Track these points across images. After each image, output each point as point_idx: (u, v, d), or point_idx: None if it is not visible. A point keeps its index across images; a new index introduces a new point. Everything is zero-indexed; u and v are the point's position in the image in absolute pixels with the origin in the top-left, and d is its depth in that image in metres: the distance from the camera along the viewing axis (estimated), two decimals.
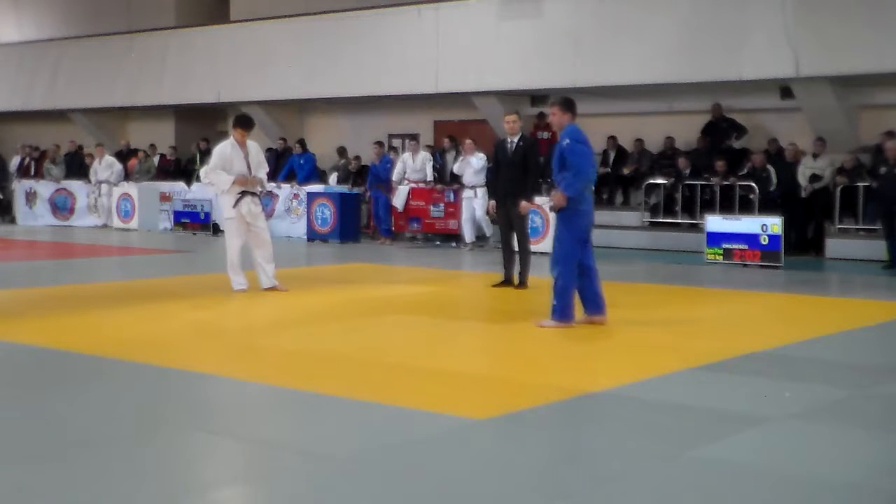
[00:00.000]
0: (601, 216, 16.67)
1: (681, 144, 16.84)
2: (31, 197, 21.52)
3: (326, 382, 5.91)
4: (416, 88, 18.35)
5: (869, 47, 13.98)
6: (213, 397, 5.73)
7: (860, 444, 4.77)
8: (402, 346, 7.25)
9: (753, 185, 14.97)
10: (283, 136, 20.46)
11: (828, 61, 14.34)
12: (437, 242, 16.84)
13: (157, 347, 6.94)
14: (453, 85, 17.81)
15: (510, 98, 17.43)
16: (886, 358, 7.25)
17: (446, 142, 17.62)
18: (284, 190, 18.21)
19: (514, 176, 10.37)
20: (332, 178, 18.86)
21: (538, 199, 11.46)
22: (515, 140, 10.58)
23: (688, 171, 15.95)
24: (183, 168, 21.34)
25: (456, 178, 16.78)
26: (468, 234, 15.86)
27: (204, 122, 23.10)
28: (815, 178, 14.88)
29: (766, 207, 14.45)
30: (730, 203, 15.20)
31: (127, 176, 20.86)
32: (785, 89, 15.52)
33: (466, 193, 15.63)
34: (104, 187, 20.43)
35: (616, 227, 16.53)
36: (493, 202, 10.86)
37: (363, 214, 18.17)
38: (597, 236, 14.27)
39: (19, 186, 21.84)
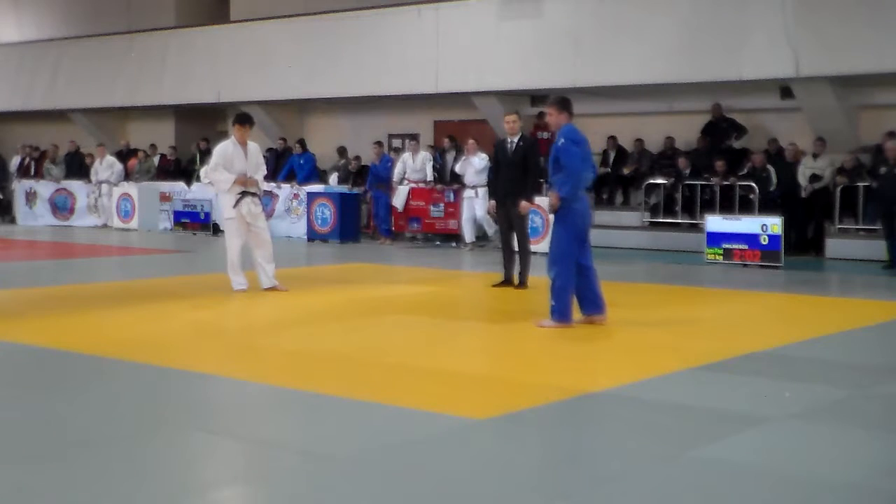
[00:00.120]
0: (601, 216, 16.76)
1: (681, 144, 16.84)
2: (31, 197, 21.52)
3: (326, 382, 5.91)
4: (416, 88, 18.35)
5: (869, 47, 13.98)
6: (213, 397, 5.73)
7: (860, 444, 4.77)
8: (402, 346, 7.25)
9: (753, 185, 14.97)
10: (283, 136, 20.46)
11: (828, 61, 14.34)
12: (437, 242, 16.84)
13: (157, 347, 6.94)
14: (453, 85, 17.81)
15: (510, 98, 17.43)
16: (886, 358, 7.24)
17: (446, 142, 17.62)
18: (284, 190, 18.21)
19: (514, 176, 10.37)
20: (333, 178, 18.86)
21: (538, 200, 11.46)
22: (515, 140, 10.58)
23: (688, 171, 15.95)
24: (183, 168, 21.35)
25: (456, 178, 16.78)
26: (468, 234, 15.85)
27: (204, 122, 23.10)
28: (815, 178, 14.88)
29: (766, 207, 14.45)
30: (730, 203, 15.20)
31: (127, 176, 20.86)
32: (785, 89, 15.52)
33: (467, 193, 15.62)
34: (104, 187, 20.44)
35: (616, 227, 16.53)
36: (493, 202, 10.87)
37: (363, 214, 18.18)
38: (597, 236, 14.27)
39: (19, 186, 21.85)
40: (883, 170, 13.21)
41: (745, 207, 14.96)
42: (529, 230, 11.05)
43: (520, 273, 10.50)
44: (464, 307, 9.79)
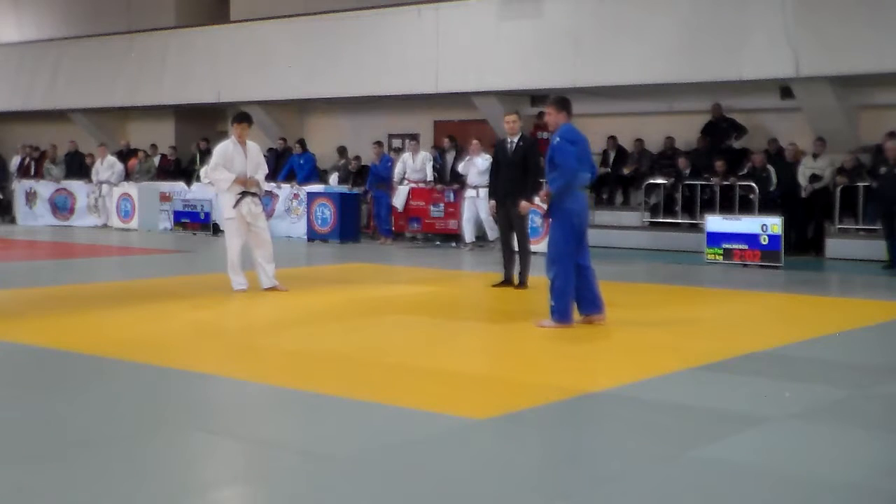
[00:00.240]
0: (601, 216, 16.77)
1: (681, 144, 16.84)
2: (31, 197, 21.52)
3: (326, 382, 5.91)
4: (416, 88, 18.35)
5: (869, 47, 13.98)
6: (213, 397, 5.73)
7: (860, 444, 4.77)
8: (402, 346, 7.25)
9: (753, 185, 14.97)
10: (283, 136, 20.46)
11: (828, 61, 14.34)
12: (437, 242, 16.84)
13: (158, 347, 6.94)
14: (453, 85, 17.81)
15: (510, 98, 17.43)
16: (886, 358, 7.25)
17: (446, 142, 17.62)
18: (284, 190, 18.21)
19: (514, 176, 10.38)
20: (333, 178, 18.87)
21: (538, 200, 11.46)
22: (515, 140, 10.59)
23: (688, 171, 15.95)
24: (183, 168, 21.35)
25: (456, 178, 16.78)
26: (468, 234, 15.83)
27: (204, 122, 23.09)
28: (815, 178, 14.87)
29: (766, 207, 14.45)
30: (730, 203, 15.20)
31: (127, 176, 20.86)
32: (785, 89, 15.52)
33: (469, 193, 15.58)
34: (105, 187, 20.44)
35: (616, 227, 16.54)
36: (493, 202, 10.87)
37: (363, 214, 18.18)
38: (597, 236, 14.27)
39: (19, 186, 21.85)
40: (883, 170, 13.21)
41: (745, 207, 14.95)
42: (529, 230, 11.06)
43: (520, 273, 10.50)
44: (464, 307, 9.79)
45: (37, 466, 4.20)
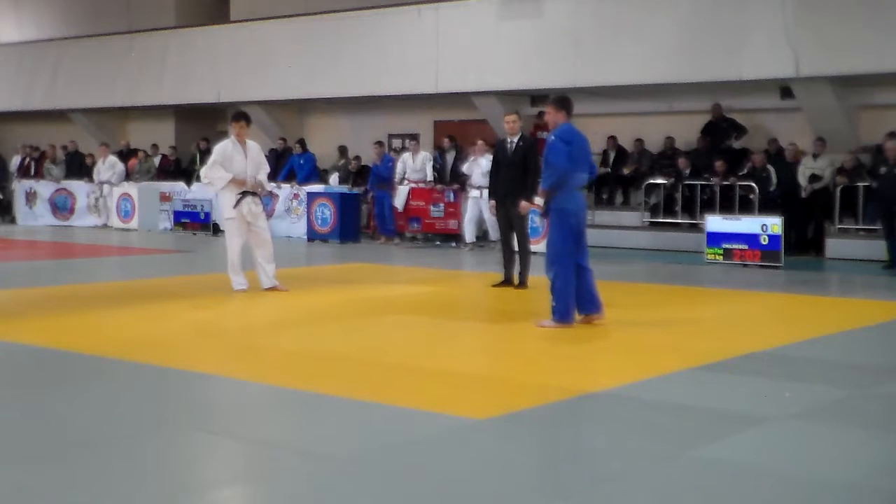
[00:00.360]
0: (601, 216, 16.78)
1: (681, 144, 16.84)
2: (31, 197, 21.53)
3: (326, 382, 5.91)
4: (416, 88, 18.35)
5: (869, 47, 13.98)
6: (213, 397, 5.73)
7: (860, 444, 4.77)
8: (402, 346, 7.25)
9: (753, 185, 14.97)
10: (283, 136, 20.46)
11: (828, 61, 14.34)
12: (437, 242, 16.84)
13: (158, 347, 6.94)
14: (453, 85, 17.81)
15: (510, 98, 17.43)
16: (886, 358, 7.25)
17: (446, 142, 17.62)
18: (284, 190, 18.21)
19: (514, 176, 10.38)
20: (333, 178, 18.87)
21: (538, 199, 11.45)
22: (515, 140, 10.59)
23: (688, 171, 15.95)
24: (183, 168, 21.35)
25: (456, 178, 16.79)
26: (469, 234, 15.82)
27: (204, 122, 23.10)
28: (815, 178, 14.88)
29: (766, 207, 14.45)
30: (730, 203, 15.20)
31: (127, 176, 20.86)
32: (785, 89, 15.52)
33: (473, 193, 15.51)
34: (105, 187, 20.45)
35: (616, 227, 16.54)
36: (492, 202, 10.88)
37: (363, 214, 18.17)
38: (597, 236, 14.26)
39: (19, 186, 21.86)
40: (883, 170, 13.21)
41: (745, 207, 14.95)
42: (529, 230, 11.05)
43: (520, 273, 10.50)
44: (464, 307, 9.78)
45: (37, 466, 4.20)
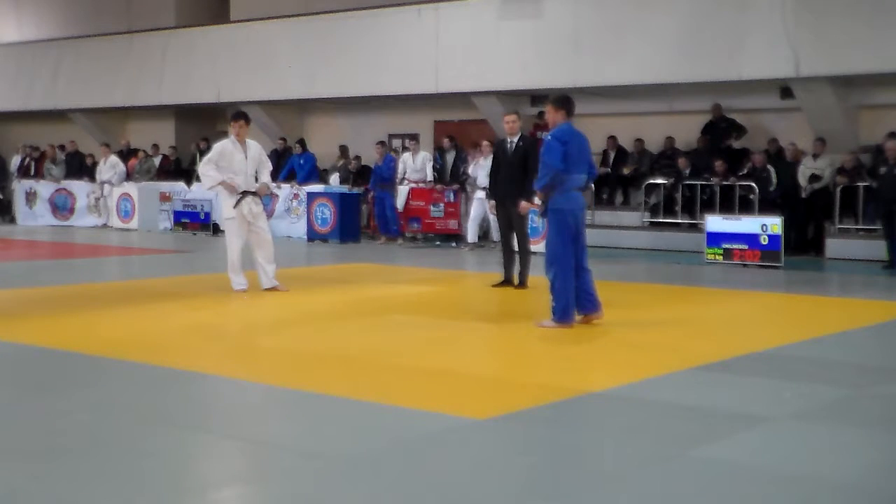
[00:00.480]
0: (601, 216, 16.78)
1: (681, 144, 16.84)
2: (31, 197, 21.53)
3: (326, 382, 5.91)
4: (416, 88, 18.35)
5: (869, 47, 13.98)
6: (212, 397, 5.73)
7: (860, 444, 4.77)
8: (402, 346, 7.25)
9: (753, 185, 14.97)
10: (283, 136, 20.46)
11: (828, 61, 14.35)
12: (438, 242, 16.84)
13: (157, 347, 6.94)
14: (453, 85, 17.81)
15: (510, 98, 17.43)
16: (886, 358, 7.25)
17: (446, 142, 17.62)
18: (284, 190, 18.21)
19: (514, 176, 10.38)
20: (334, 178, 18.87)
21: (538, 199, 11.45)
22: (515, 140, 10.59)
23: (688, 171, 15.95)
24: (183, 168, 21.35)
25: (456, 178, 16.80)
26: (471, 234, 15.82)
27: (204, 122, 23.10)
28: (814, 178, 14.88)
29: (766, 207, 14.46)
30: (730, 203, 15.20)
31: (127, 176, 20.87)
32: (785, 89, 15.52)
33: (479, 194, 15.48)
34: (106, 187, 20.46)
35: (616, 227, 16.54)
36: (492, 202, 10.88)
37: (363, 214, 18.17)
38: (597, 236, 14.25)
39: (19, 186, 21.86)
40: (883, 170, 13.21)
41: (745, 207, 14.96)
42: (529, 230, 11.05)
43: (520, 273, 10.50)
44: (464, 307, 9.78)
45: (36, 466, 4.20)
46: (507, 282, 10.59)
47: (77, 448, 4.53)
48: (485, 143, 15.58)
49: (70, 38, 23.97)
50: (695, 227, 15.39)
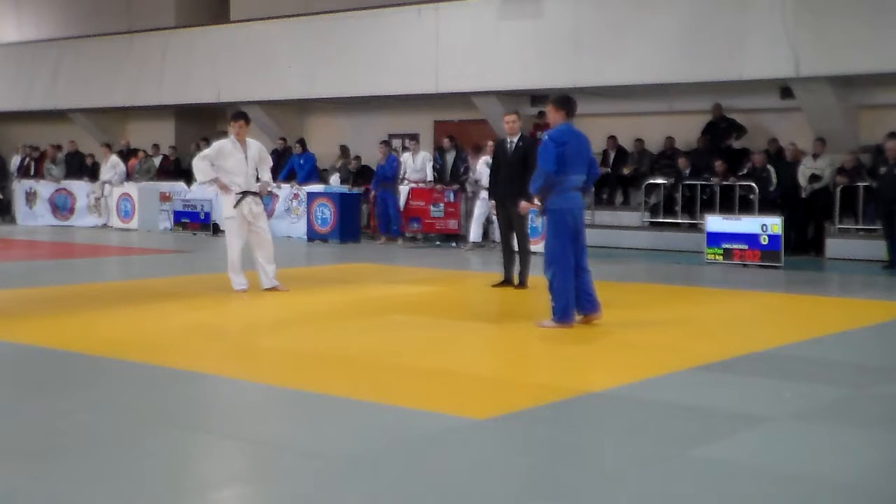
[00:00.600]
0: (601, 216, 16.79)
1: (681, 144, 16.84)
2: (31, 197, 21.53)
3: (326, 382, 5.91)
4: (416, 88, 18.36)
5: (869, 47, 13.99)
6: (212, 397, 5.73)
7: (860, 444, 4.77)
8: (403, 346, 7.24)
9: (753, 185, 14.97)
10: (283, 136, 20.46)
11: (828, 61, 14.35)
12: (438, 242, 16.85)
13: (157, 347, 6.94)
14: (453, 85, 17.81)
15: (510, 98, 17.43)
16: (886, 358, 7.25)
17: (446, 142, 17.62)
18: (284, 190, 18.21)
19: (514, 176, 10.37)
20: (334, 178, 18.87)
21: (537, 199, 11.45)
22: (515, 140, 10.60)
23: (688, 171, 15.95)
24: (183, 168, 21.33)
25: (456, 178, 16.79)
26: (473, 234, 15.82)
27: (204, 122, 23.10)
28: (814, 178, 14.88)
29: (766, 207, 14.46)
30: (730, 203, 15.20)
31: (128, 176, 20.88)
32: (785, 89, 15.53)
33: (483, 195, 15.46)
34: (107, 187, 20.47)
35: (616, 227, 16.54)
36: (492, 202, 10.87)
37: (363, 214, 18.17)
38: (597, 236, 14.24)
39: (19, 186, 21.87)
40: (883, 170, 13.21)
41: (745, 207, 14.96)
42: (529, 230, 11.06)
43: (520, 273, 10.50)
44: (464, 307, 9.78)
45: (36, 466, 4.20)
46: (507, 282, 10.59)
47: (77, 448, 4.53)
48: (489, 143, 15.55)
49: (70, 38, 23.97)
50: (695, 227, 15.39)
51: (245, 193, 9.88)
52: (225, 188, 9.84)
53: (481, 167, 15.56)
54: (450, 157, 17.34)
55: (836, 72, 14.44)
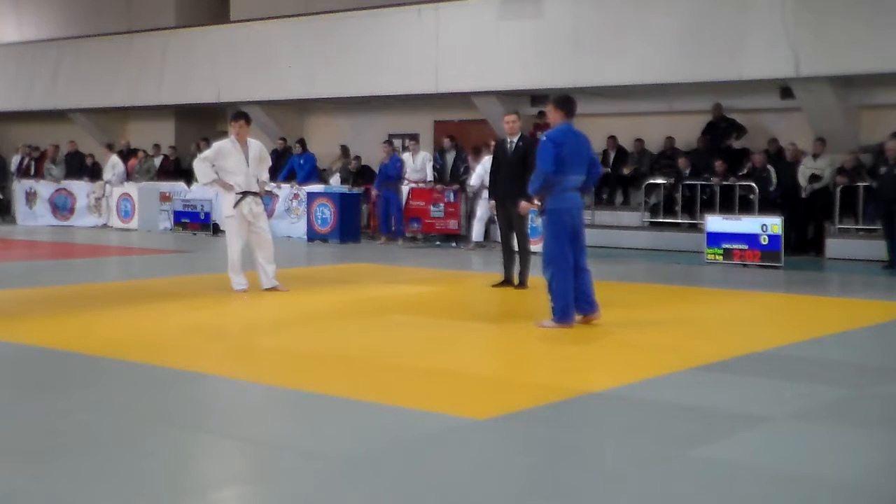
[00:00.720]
0: (601, 216, 16.79)
1: (681, 144, 16.84)
2: (31, 197, 21.53)
3: (326, 382, 5.91)
4: (416, 88, 18.36)
5: (869, 47, 13.99)
6: (212, 397, 5.73)
7: (860, 444, 4.77)
8: (402, 346, 7.24)
9: (753, 185, 14.97)
10: (283, 136, 20.46)
11: (828, 61, 14.35)
12: (438, 242, 16.85)
13: (157, 347, 6.94)
14: (453, 85, 17.81)
15: (510, 98, 17.43)
16: (886, 358, 7.25)
17: (446, 142, 17.62)
18: (284, 190, 18.21)
19: (514, 176, 10.37)
20: (334, 178, 18.87)
21: (537, 199, 11.45)
22: (515, 140, 10.60)
23: (688, 171, 15.95)
24: (183, 168, 21.34)
25: (456, 178, 16.79)
26: (476, 233, 15.81)
27: (204, 122, 23.10)
28: (814, 178, 14.88)
29: (766, 207, 14.46)
30: (730, 203, 15.20)
31: (128, 176, 20.88)
32: (785, 89, 15.52)
33: (485, 194, 15.44)
34: (107, 187, 20.47)
35: (616, 227, 16.54)
36: (492, 202, 10.87)
37: (363, 214, 18.17)
38: (597, 236, 14.24)
39: (19, 186, 21.86)
40: (883, 170, 13.21)
41: (745, 207, 14.96)
42: (529, 230, 11.06)
43: (520, 273, 10.51)
44: (464, 307, 9.77)
45: (36, 466, 4.20)
46: (507, 282, 10.59)
47: (77, 448, 4.53)
48: (492, 143, 15.54)
49: (70, 38, 23.97)
50: (695, 227, 15.39)
51: (245, 193, 9.87)
52: (227, 187, 9.84)
53: (480, 171, 15.52)
54: (450, 157, 17.35)
55: (836, 72, 14.44)
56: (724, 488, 4.05)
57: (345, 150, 19.35)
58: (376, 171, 17.79)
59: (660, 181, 16.39)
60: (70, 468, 4.21)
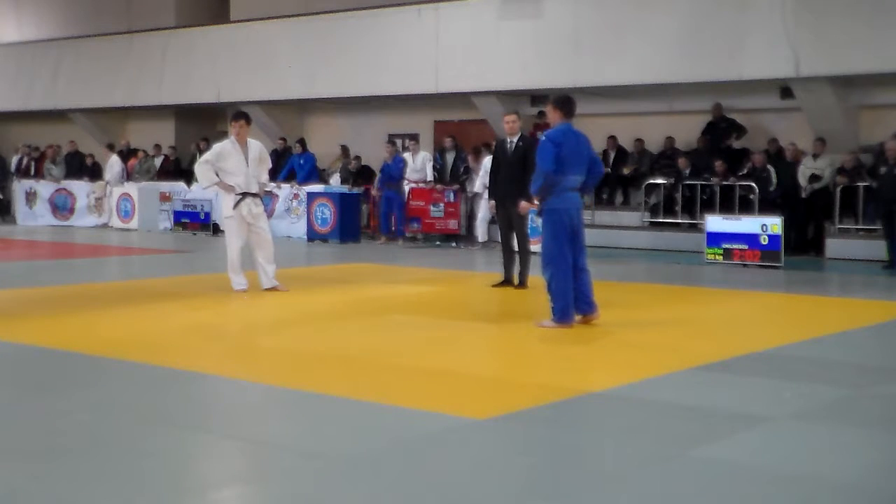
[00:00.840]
0: (601, 216, 16.79)
1: (681, 144, 16.84)
2: (31, 197, 21.53)
3: (326, 382, 5.91)
4: (416, 88, 18.36)
5: (869, 47, 13.99)
6: (213, 397, 5.73)
7: (860, 444, 4.77)
8: (403, 346, 7.24)
9: (753, 185, 14.97)
10: (283, 136, 20.46)
11: (828, 61, 14.35)
12: (438, 242, 16.84)
13: (157, 347, 6.94)
14: (453, 85, 17.81)
15: (510, 98, 17.43)
16: (886, 358, 7.25)
17: (446, 142, 17.62)
18: (284, 190, 18.21)
19: (514, 176, 10.37)
20: (334, 178, 18.87)
21: (537, 199, 11.46)
22: (515, 140, 10.60)
23: (688, 171, 15.95)
24: (183, 168, 21.35)
25: (456, 178, 16.79)
26: (481, 234, 15.80)
27: (204, 122, 23.10)
28: (814, 178, 14.88)
29: (766, 207, 14.46)
30: (730, 203, 15.20)
31: (128, 176, 20.88)
32: (785, 89, 15.53)
33: (485, 194, 15.42)
34: (108, 187, 20.48)
35: (616, 227, 16.54)
36: (492, 202, 10.88)
37: (363, 214, 18.17)
38: (597, 236, 14.25)
39: (19, 186, 21.86)
40: (883, 170, 13.21)
41: (745, 207, 14.96)
42: (529, 230, 11.06)
43: (520, 273, 10.51)
44: (464, 307, 9.77)
45: (36, 466, 4.20)
46: (507, 282, 10.59)
47: (77, 448, 4.53)
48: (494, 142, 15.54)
49: (70, 38, 23.97)
50: (695, 227, 15.39)
51: (245, 194, 9.86)
52: (228, 188, 9.84)
53: (483, 175, 15.51)
54: (450, 157, 17.34)
55: (836, 72, 14.44)
56: (724, 488, 4.05)
57: (345, 150, 19.35)
58: (376, 170, 17.79)
59: (660, 181, 16.39)
60: (70, 468, 4.21)
